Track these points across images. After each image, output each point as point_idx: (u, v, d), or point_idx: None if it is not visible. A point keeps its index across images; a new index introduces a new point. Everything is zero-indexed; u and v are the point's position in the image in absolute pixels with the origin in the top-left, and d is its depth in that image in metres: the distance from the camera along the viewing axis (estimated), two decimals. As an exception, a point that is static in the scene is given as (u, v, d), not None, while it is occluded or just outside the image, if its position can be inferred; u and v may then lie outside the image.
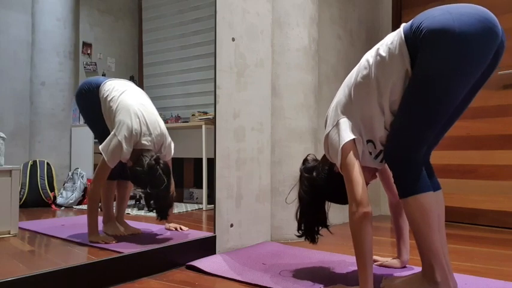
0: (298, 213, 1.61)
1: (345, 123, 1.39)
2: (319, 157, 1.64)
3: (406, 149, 1.29)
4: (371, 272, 1.30)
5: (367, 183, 1.45)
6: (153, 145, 2.07)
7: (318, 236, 1.63)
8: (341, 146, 1.36)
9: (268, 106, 2.34)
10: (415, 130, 1.28)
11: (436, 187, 1.35)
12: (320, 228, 1.62)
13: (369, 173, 1.49)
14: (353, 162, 1.34)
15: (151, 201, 2.00)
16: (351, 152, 1.35)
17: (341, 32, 3.09)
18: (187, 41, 3.69)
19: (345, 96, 1.42)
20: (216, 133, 2.00)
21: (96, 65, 3.40)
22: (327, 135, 1.44)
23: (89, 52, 3.39)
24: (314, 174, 1.57)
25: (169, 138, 2.19)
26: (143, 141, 2.03)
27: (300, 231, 1.62)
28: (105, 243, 1.97)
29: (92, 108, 2.17)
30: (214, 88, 2.00)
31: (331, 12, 3.00)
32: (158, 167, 1.98)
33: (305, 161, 1.66)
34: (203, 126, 3.19)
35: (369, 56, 1.38)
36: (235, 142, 2.10)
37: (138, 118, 2.03)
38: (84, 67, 3.32)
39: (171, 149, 2.20)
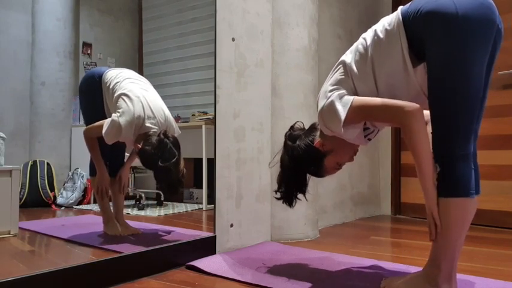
0: (278, 177, 1.64)
1: (343, 93, 1.41)
2: None
3: (459, 143, 1.23)
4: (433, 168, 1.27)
5: (350, 159, 1.54)
6: (158, 128, 2.06)
7: (296, 200, 1.65)
8: (351, 102, 1.36)
9: (268, 106, 2.34)
10: (459, 120, 1.23)
11: (477, 191, 1.29)
12: (298, 193, 1.64)
13: (352, 149, 1.54)
14: (367, 100, 1.35)
15: (162, 177, 1.99)
16: (360, 101, 1.36)
17: (341, 32, 3.09)
18: (186, 40, 3.69)
19: (341, 75, 1.44)
20: (216, 133, 2.00)
21: (96, 65, 3.40)
22: (322, 108, 1.45)
23: (89, 52, 3.38)
24: (297, 143, 1.58)
25: (174, 124, 2.16)
26: (148, 124, 2.02)
27: (278, 194, 1.64)
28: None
29: (93, 96, 2.18)
30: (214, 88, 2.00)
31: (331, 12, 3.00)
32: (167, 140, 1.97)
33: (291, 128, 1.67)
34: (203, 126, 3.19)
35: (367, 36, 1.40)
36: (235, 142, 2.10)
37: (141, 103, 2.03)
38: (84, 67, 3.32)
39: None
